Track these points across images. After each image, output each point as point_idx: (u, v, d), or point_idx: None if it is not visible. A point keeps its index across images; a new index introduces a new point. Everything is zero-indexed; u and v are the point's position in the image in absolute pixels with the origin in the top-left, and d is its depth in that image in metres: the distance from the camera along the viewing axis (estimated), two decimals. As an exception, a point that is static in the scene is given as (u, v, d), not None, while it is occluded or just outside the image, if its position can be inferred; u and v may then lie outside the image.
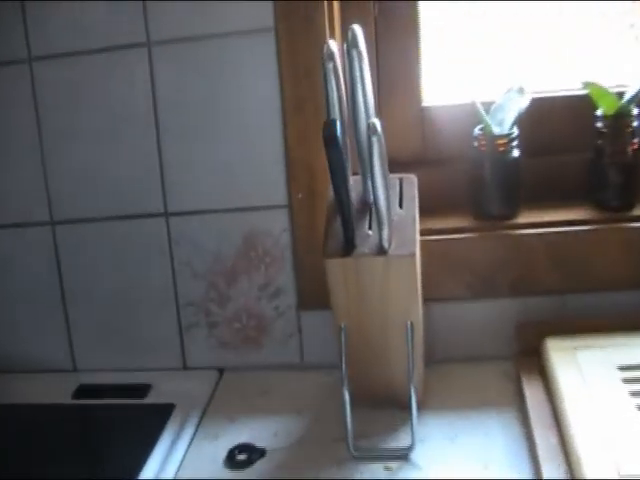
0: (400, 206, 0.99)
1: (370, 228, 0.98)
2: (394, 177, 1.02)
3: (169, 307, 1.28)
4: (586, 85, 1.20)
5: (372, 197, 0.93)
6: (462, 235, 1.18)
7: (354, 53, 0.91)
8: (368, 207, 1.00)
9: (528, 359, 1.13)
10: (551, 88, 1.29)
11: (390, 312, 0.99)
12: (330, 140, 0.84)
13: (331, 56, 0.90)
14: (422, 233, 1.10)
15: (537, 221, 1.18)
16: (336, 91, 0.92)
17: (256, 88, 1.16)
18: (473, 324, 1.20)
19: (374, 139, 0.86)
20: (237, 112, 1.18)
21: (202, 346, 1.28)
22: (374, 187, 0.90)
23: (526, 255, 1.17)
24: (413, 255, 0.95)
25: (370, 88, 0.93)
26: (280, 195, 1.21)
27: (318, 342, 1.24)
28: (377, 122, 0.88)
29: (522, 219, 1.20)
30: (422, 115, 1.26)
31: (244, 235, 1.24)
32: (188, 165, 1.21)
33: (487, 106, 1.19)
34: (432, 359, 1.17)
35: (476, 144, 1.20)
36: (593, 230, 1.16)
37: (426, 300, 1.14)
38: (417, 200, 1.02)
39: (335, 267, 0.96)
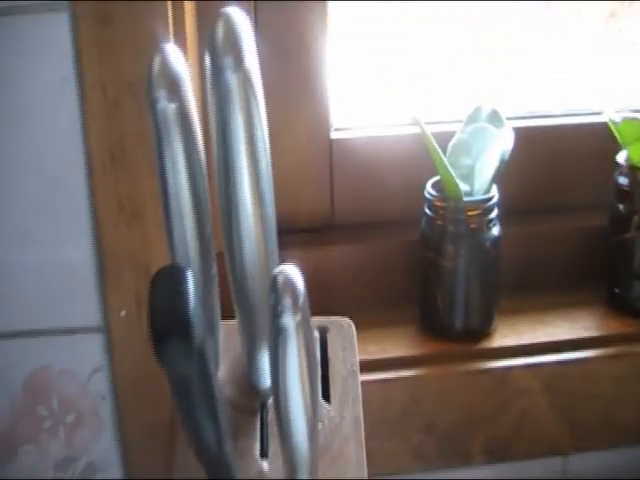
0: (326, 396, 0.48)
1: (264, 455, 0.45)
2: (315, 321, 0.51)
3: None
4: (607, 113, 0.73)
5: (276, 403, 0.40)
6: (409, 372, 0.69)
7: (231, 75, 0.37)
8: (257, 406, 0.47)
9: None
10: (531, 112, 0.81)
11: None
12: (170, 347, 0.32)
13: (174, 82, 0.37)
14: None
15: (526, 343, 0.71)
16: (183, 158, 0.39)
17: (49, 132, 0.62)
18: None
19: (287, 319, 0.34)
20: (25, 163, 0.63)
21: None
22: (282, 396, 0.38)
23: (510, 402, 0.70)
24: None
25: (266, 147, 0.40)
26: (91, 311, 0.67)
27: None
28: (295, 277, 0.36)
29: (501, 338, 0.72)
30: (331, 151, 0.75)
31: (27, 379, 0.69)
32: None
33: (438, 140, 0.70)
34: None
35: (429, 212, 0.71)
36: (614, 356, 0.70)
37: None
38: (359, 378, 0.50)
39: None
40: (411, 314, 0.73)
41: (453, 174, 0.69)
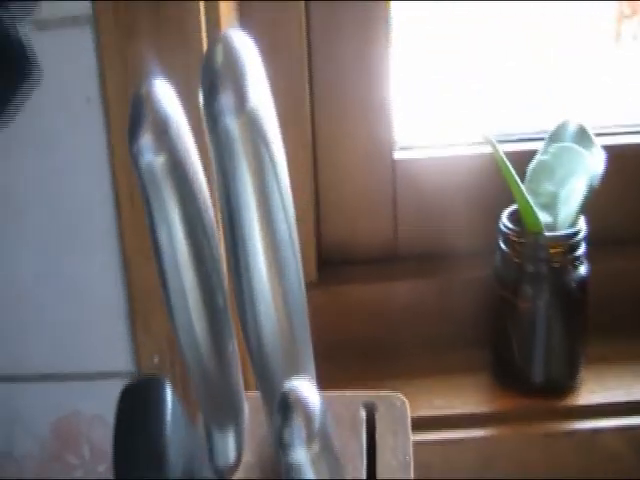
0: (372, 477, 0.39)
1: None
2: (353, 398, 0.42)
3: None
4: None
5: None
6: (479, 432, 0.60)
7: (232, 121, 0.28)
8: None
9: None
10: (618, 124, 0.71)
11: None
12: None
13: (161, 128, 0.29)
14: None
15: (617, 400, 0.61)
16: (181, 226, 0.31)
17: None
18: None
19: (298, 453, 0.26)
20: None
21: None
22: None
23: (598, 470, 0.60)
24: None
25: (286, 208, 0.32)
26: (122, 355, 0.61)
27: None
28: (309, 396, 0.28)
29: (588, 394, 0.62)
30: (394, 173, 0.67)
31: (56, 424, 0.63)
32: None
33: (515, 161, 0.61)
34: None
35: (504, 247, 0.61)
36: None
37: None
38: (411, 472, 0.41)
39: None
40: (483, 362, 0.64)
41: (532, 204, 0.60)
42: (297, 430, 0.26)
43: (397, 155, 0.67)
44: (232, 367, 0.36)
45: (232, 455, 0.36)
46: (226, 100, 0.26)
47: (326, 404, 0.41)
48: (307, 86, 0.63)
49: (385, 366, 0.63)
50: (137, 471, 0.25)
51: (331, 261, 0.68)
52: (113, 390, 0.63)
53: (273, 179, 0.29)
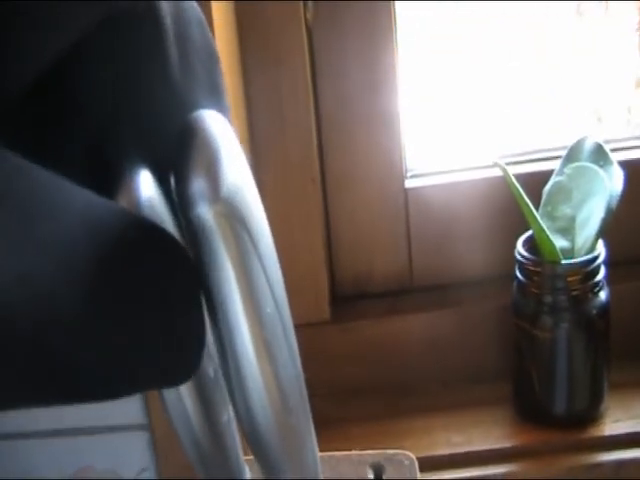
0: None
1: None
2: (360, 458, 0.40)
3: None
4: None
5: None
6: (500, 468, 0.58)
7: (207, 210, 0.27)
8: None
9: None
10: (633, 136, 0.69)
11: None
12: None
13: None
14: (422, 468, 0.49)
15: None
16: None
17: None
18: None
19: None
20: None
21: None
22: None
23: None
24: None
25: (278, 292, 0.29)
26: (134, 408, 0.60)
27: None
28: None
29: (613, 424, 0.60)
30: (406, 202, 0.65)
31: (71, 478, 0.63)
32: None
33: (531, 182, 0.59)
34: None
35: (521, 277, 0.60)
36: None
37: None
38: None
39: None
40: (502, 394, 0.62)
41: (548, 232, 0.58)
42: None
43: (408, 183, 0.65)
44: (227, 437, 0.35)
45: None
46: (198, 187, 0.25)
47: (332, 465, 0.40)
48: (313, 119, 0.62)
49: (401, 403, 0.62)
50: None
51: (345, 297, 0.67)
52: (126, 443, 0.62)
53: (257, 264, 0.27)
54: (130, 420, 0.60)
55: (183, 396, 0.33)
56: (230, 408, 0.35)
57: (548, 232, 0.58)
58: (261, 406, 0.30)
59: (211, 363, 0.33)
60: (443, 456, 0.58)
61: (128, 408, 0.59)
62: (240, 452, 0.37)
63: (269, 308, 0.29)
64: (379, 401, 0.62)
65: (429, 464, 0.56)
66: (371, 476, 0.40)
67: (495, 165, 0.59)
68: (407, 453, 0.41)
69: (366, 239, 0.66)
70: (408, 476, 0.40)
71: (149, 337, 0.25)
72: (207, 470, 0.36)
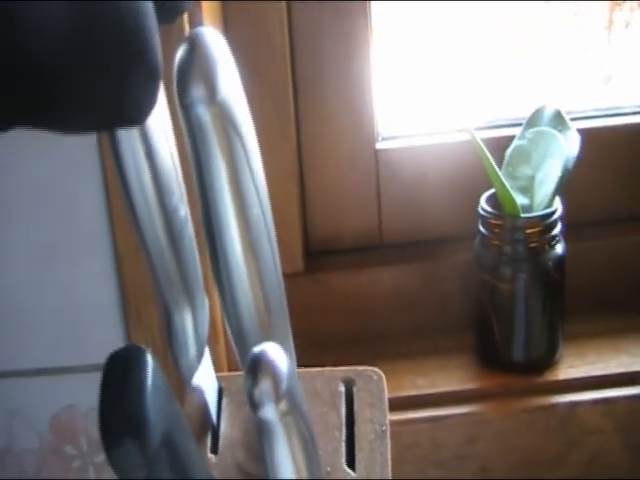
0: (350, 462, 0.41)
1: None
2: (332, 374, 0.44)
3: None
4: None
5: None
6: (462, 409, 0.62)
7: (204, 111, 0.30)
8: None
9: None
10: (596, 109, 0.73)
11: None
12: (121, 454, 0.26)
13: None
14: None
15: (596, 374, 0.63)
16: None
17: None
18: None
19: (268, 411, 0.28)
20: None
21: None
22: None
23: (578, 444, 0.62)
24: None
25: (263, 196, 0.33)
26: (115, 346, 0.62)
27: None
28: (277, 358, 0.30)
29: (567, 370, 0.64)
30: (377, 163, 0.69)
31: (54, 417, 0.66)
32: None
33: (494, 147, 0.63)
34: None
35: (483, 230, 0.64)
36: None
37: None
38: (388, 441, 0.43)
39: None
40: (465, 343, 0.66)
41: (509, 188, 0.62)
42: (265, 388, 0.28)
43: (379, 145, 0.69)
44: (188, 251, 0.37)
45: (191, 342, 0.38)
46: (197, 92, 0.28)
47: (306, 380, 0.43)
48: (290, 81, 0.65)
49: (370, 350, 0.65)
50: (117, 436, 0.27)
51: (317, 251, 0.70)
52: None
53: (245, 165, 0.31)
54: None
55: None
56: (190, 229, 0.38)
57: (509, 189, 0.62)
58: (245, 301, 0.33)
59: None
60: (409, 397, 0.62)
61: (109, 346, 0.62)
62: (198, 276, 0.39)
63: (255, 209, 0.32)
64: (349, 349, 0.66)
65: (396, 404, 0.60)
66: (342, 390, 0.43)
67: (464, 129, 0.63)
68: (376, 370, 0.44)
69: (338, 197, 0.69)
70: (376, 391, 0.43)
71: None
72: (169, 291, 0.38)
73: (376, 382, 0.43)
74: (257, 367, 0.28)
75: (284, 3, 0.63)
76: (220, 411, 0.43)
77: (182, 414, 0.31)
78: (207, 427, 0.42)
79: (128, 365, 0.29)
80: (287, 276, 0.66)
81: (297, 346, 0.42)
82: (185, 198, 0.37)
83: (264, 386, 0.28)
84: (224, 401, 0.43)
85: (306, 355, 0.52)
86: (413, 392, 0.62)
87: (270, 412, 0.28)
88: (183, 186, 0.36)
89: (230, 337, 0.36)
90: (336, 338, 0.67)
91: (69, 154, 0.58)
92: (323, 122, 0.67)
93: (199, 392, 0.41)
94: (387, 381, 0.46)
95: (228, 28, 0.63)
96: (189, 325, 0.38)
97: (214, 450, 0.42)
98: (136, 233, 0.36)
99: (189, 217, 0.37)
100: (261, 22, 0.63)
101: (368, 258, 0.69)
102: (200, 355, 0.40)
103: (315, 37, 0.66)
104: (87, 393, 0.65)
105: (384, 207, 0.70)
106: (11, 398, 0.65)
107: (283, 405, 0.28)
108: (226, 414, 0.42)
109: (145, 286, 0.59)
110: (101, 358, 0.62)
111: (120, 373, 0.28)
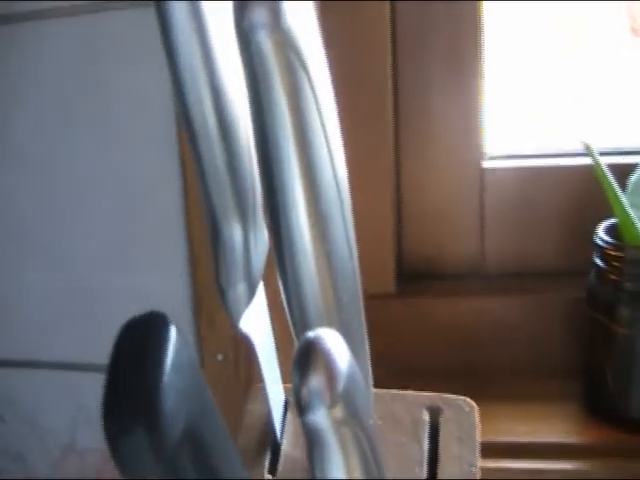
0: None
1: None
2: (416, 399, 0.38)
3: None
4: None
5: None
6: (566, 464, 0.54)
7: (265, 39, 0.25)
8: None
9: None
10: None
11: None
12: (127, 445, 0.21)
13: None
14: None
15: None
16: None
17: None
18: None
19: (319, 416, 0.22)
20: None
21: None
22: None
23: None
24: None
25: (334, 147, 0.27)
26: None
27: None
28: (335, 347, 0.23)
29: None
30: (482, 183, 0.63)
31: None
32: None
33: (617, 175, 0.56)
34: None
35: (600, 263, 0.56)
36: None
37: None
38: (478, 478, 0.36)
39: None
40: (571, 389, 0.59)
41: (633, 217, 0.55)
42: (317, 385, 0.22)
43: (486, 164, 0.63)
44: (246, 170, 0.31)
45: (240, 269, 0.32)
46: (259, 14, 0.23)
47: (384, 402, 0.37)
48: (390, 85, 0.60)
49: (462, 386, 0.58)
50: (123, 421, 0.21)
51: (412, 274, 0.64)
52: None
53: (314, 112, 0.25)
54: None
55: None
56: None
57: (634, 218, 0.55)
58: (310, 288, 0.27)
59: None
60: (504, 443, 0.54)
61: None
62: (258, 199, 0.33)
63: (325, 171, 0.26)
64: (438, 381, 0.59)
65: (489, 449, 0.53)
66: (427, 418, 0.37)
67: (584, 148, 0.57)
68: (468, 400, 0.38)
69: (438, 219, 0.63)
70: (466, 425, 0.36)
71: None
72: (221, 202, 0.32)
73: (467, 414, 0.37)
74: (308, 357, 0.22)
75: (388, 3, 0.59)
76: (284, 427, 0.37)
77: (214, 405, 0.25)
78: (267, 443, 0.36)
79: (147, 336, 0.23)
80: (376, 297, 0.62)
81: (380, 373, 0.37)
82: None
83: (315, 382, 0.22)
84: (289, 416, 0.37)
85: (388, 384, 0.46)
86: (510, 438, 0.55)
87: (321, 416, 0.22)
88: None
89: (292, 334, 0.30)
90: (424, 368, 0.60)
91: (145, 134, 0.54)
92: (425, 130, 0.62)
93: (247, 340, 0.35)
94: (480, 423, 0.39)
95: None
96: (239, 247, 0.32)
97: (272, 470, 0.36)
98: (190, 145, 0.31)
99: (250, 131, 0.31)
100: (362, 23, 0.58)
101: (468, 286, 0.63)
102: (251, 291, 0.34)
103: (420, 46, 0.60)
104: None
105: (488, 231, 0.63)
106: (78, 392, 0.61)
107: (338, 411, 0.22)
108: (290, 431, 0.37)
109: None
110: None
111: (135, 344, 0.23)
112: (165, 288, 0.56)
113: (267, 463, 0.36)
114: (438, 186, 0.63)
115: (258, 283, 0.35)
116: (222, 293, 0.34)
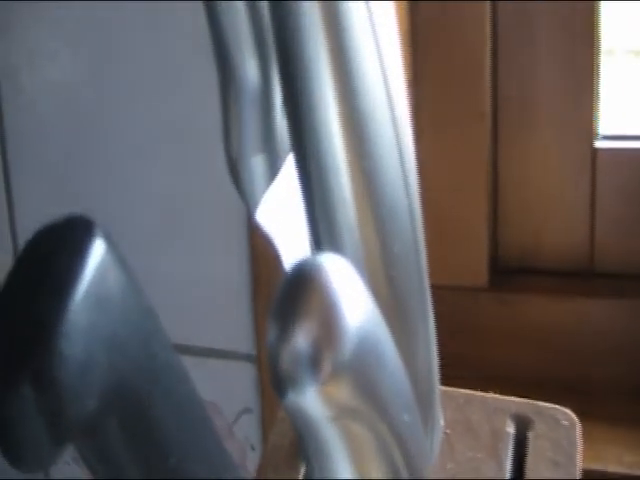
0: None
1: None
2: (499, 404, 0.30)
3: None
4: None
5: None
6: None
7: None
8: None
9: None
10: None
11: None
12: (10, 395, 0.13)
13: None
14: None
15: None
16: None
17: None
18: None
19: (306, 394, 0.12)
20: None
21: None
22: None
23: None
24: None
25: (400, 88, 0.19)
26: (242, 335, 0.52)
27: None
28: (314, 284, 0.14)
29: None
30: (594, 167, 0.54)
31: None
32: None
33: None
34: None
35: None
36: None
37: None
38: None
39: None
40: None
41: None
42: (304, 346, 0.12)
43: (599, 144, 0.54)
44: None
45: (254, 130, 0.23)
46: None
47: (457, 405, 0.30)
48: (489, 60, 0.52)
49: (559, 397, 0.49)
50: (9, 375, 0.13)
51: (508, 267, 0.56)
52: (230, 374, 0.54)
53: (369, 34, 0.18)
54: (235, 347, 0.51)
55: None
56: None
57: None
58: (347, 231, 0.20)
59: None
60: (609, 474, 0.45)
61: (235, 333, 0.51)
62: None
63: (380, 112, 0.19)
64: (531, 389, 0.50)
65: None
66: (511, 430, 0.29)
67: None
68: (567, 411, 0.29)
69: (541, 204, 0.55)
70: (564, 440, 0.28)
71: None
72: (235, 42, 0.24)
73: (566, 429, 0.28)
74: (294, 299, 0.13)
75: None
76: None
77: (177, 365, 0.18)
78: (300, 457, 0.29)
79: (58, 249, 0.15)
80: (467, 289, 0.54)
81: (457, 375, 0.30)
82: None
83: (302, 341, 0.12)
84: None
85: (473, 387, 0.39)
86: (616, 469, 0.46)
87: (309, 400, 0.12)
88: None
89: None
90: (516, 373, 0.52)
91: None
92: (526, 104, 0.53)
93: (266, 237, 0.26)
94: (584, 448, 0.31)
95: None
96: (257, 92, 0.23)
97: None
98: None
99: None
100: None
101: (573, 284, 0.54)
102: (273, 165, 0.24)
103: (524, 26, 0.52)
104: (205, 381, 0.54)
105: (599, 222, 0.54)
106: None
107: (339, 390, 0.12)
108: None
109: (278, 278, 0.48)
110: (223, 344, 0.52)
111: (39, 261, 0.15)
112: (224, 274, 0.50)
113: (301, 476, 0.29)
114: (541, 169, 0.54)
115: (285, 154, 0.25)
116: (232, 168, 0.24)
